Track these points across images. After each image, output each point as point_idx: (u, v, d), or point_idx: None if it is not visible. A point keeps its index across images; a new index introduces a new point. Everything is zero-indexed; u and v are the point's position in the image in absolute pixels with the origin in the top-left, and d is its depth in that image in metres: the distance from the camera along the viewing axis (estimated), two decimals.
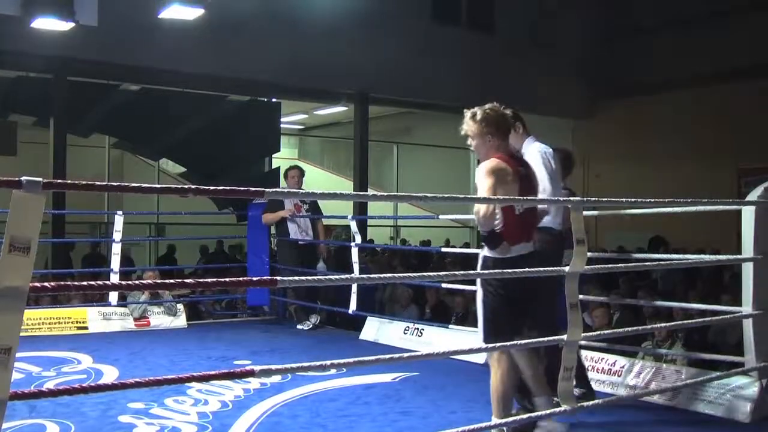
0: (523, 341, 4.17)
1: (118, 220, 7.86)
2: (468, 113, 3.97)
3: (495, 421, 3.85)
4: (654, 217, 11.53)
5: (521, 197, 3.96)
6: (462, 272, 4.03)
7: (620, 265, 5.85)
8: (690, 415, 4.70)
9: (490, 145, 3.93)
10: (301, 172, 8.32)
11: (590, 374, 5.39)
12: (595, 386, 5.28)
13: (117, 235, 7.80)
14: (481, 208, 3.67)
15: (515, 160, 3.97)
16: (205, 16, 9.90)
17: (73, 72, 11.87)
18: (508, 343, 3.95)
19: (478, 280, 3.96)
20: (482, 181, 3.77)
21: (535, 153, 4.44)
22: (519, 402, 4.32)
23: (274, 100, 15.05)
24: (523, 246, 3.91)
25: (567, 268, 3.81)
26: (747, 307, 4.65)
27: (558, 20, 16.09)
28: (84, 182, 2.58)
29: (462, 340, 6.48)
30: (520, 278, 3.77)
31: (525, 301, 3.94)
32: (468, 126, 3.96)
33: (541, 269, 4.27)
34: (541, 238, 4.27)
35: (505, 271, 4.02)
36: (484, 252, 3.89)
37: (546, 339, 3.88)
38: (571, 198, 3.87)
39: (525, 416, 3.89)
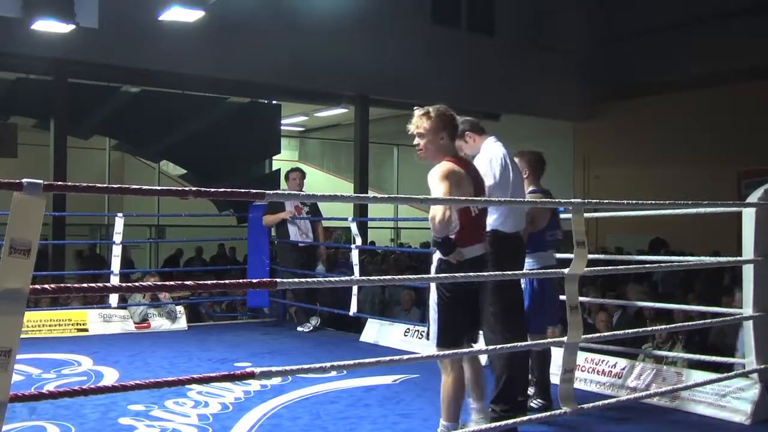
0: (524, 343, 4.18)
1: (119, 222, 7.86)
2: (419, 110, 3.87)
3: (443, 423, 3.82)
4: (654, 219, 11.57)
5: (514, 199, 3.96)
6: (462, 274, 4.02)
7: (620, 266, 5.86)
8: (690, 416, 4.70)
9: (441, 144, 3.85)
10: (302, 175, 8.33)
11: (591, 376, 5.39)
12: (595, 388, 5.28)
13: (117, 237, 7.80)
14: (437, 214, 3.54)
15: (464, 162, 3.92)
16: (206, 18, 9.91)
17: (74, 74, 11.88)
18: (508, 345, 3.96)
19: (432, 284, 3.90)
20: (437, 185, 3.66)
21: (484, 158, 4.38)
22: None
23: (274, 102, 15.07)
24: (478, 248, 3.87)
25: (566, 270, 3.81)
26: (747, 309, 4.65)
27: (558, 22, 16.10)
28: (84, 184, 2.59)
29: None
30: (470, 283, 3.75)
31: (473, 303, 3.92)
32: (420, 123, 3.84)
33: (535, 272, 4.29)
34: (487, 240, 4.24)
35: (506, 273, 4.03)
36: (438, 255, 3.81)
37: (548, 341, 3.89)
38: (572, 200, 3.87)
39: (528, 417, 3.89)
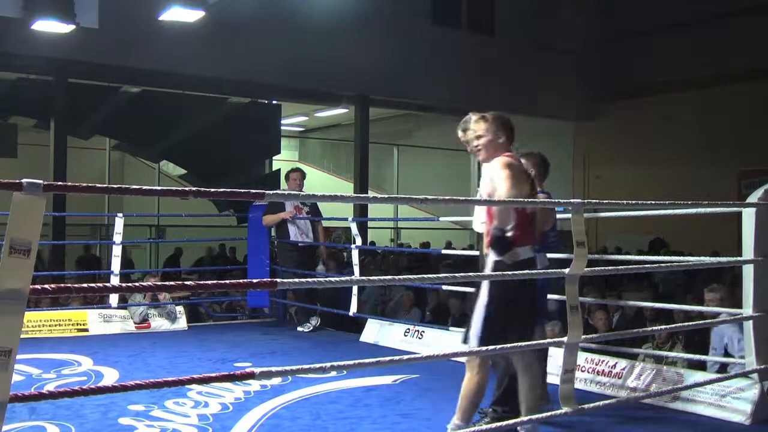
0: (524, 343, 4.18)
1: (119, 222, 7.86)
2: (475, 116, 3.99)
3: (456, 422, 3.82)
4: (654, 219, 11.57)
5: (527, 199, 3.96)
6: (462, 274, 4.03)
7: (620, 267, 5.85)
8: (690, 417, 4.70)
9: (500, 143, 3.95)
10: (303, 175, 8.33)
11: (591, 376, 5.39)
12: (595, 388, 5.28)
13: (117, 237, 7.80)
14: (497, 206, 3.59)
15: (519, 160, 3.97)
16: (206, 19, 9.91)
17: (74, 74, 11.89)
18: (509, 346, 3.95)
19: (484, 285, 3.88)
20: (501, 174, 3.72)
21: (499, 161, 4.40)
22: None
23: (274, 102, 15.07)
24: (530, 249, 3.88)
25: (566, 270, 3.81)
26: (747, 309, 4.65)
27: (558, 22, 16.11)
28: (84, 184, 2.58)
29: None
30: (524, 284, 3.75)
31: (526, 305, 3.91)
32: (477, 126, 3.96)
33: (533, 272, 4.28)
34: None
35: (508, 273, 4.02)
36: (494, 257, 3.81)
37: (547, 341, 3.89)
38: (573, 200, 3.87)
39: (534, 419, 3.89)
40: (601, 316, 7.19)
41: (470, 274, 4.15)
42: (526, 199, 4.12)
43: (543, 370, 4.89)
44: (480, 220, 4.50)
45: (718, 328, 6.05)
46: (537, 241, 3.98)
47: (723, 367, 5.72)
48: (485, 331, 3.81)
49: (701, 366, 5.85)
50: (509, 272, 4.04)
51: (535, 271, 4.47)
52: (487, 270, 3.87)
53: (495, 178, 3.77)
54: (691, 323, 6.13)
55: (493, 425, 3.66)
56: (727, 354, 6.06)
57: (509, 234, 3.71)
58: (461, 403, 3.84)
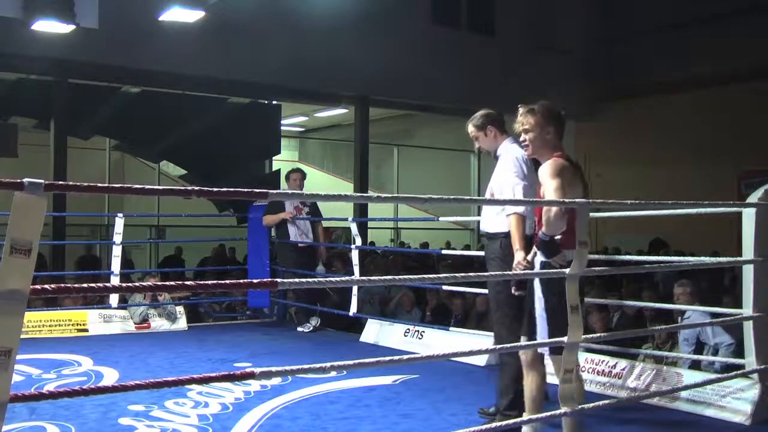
0: (524, 343, 4.17)
1: (119, 222, 7.87)
2: (524, 108, 3.91)
3: (527, 416, 3.86)
4: (654, 220, 11.57)
5: (528, 199, 3.96)
6: (462, 274, 4.03)
7: (620, 267, 5.86)
8: (690, 417, 4.70)
9: (548, 139, 3.88)
10: (303, 175, 8.34)
11: (591, 376, 5.39)
12: (595, 388, 5.28)
13: (117, 237, 7.81)
14: (552, 209, 3.54)
15: (572, 161, 3.91)
16: (206, 19, 9.91)
17: (74, 74, 11.88)
18: (523, 344, 3.95)
19: (538, 289, 3.83)
20: (549, 182, 3.66)
21: (509, 157, 4.39)
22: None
23: (274, 102, 15.06)
24: (572, 252, 3.81)
25: (567, 270, 3.80)
26: (747, 310, 4.65)
27: (558, 21, 16.10)
28: (85, 184, 2.58)
29: (462, 342, 6.48)
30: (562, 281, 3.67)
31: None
32: (525, 119, 3.88)
33: (539, 272, 4.28)
34: (507, 243, 4.27)
35: (506, 273, 4.02)
36: (541, 257, 3.77)
37: (547, 341, 3.88)
38: (577, 200, 3.86)
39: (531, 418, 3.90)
40: (598, 318, 7.18)
41: (470, 274, 4.14)
42: (527, 199, 4.12)
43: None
44: (488, 220, 4.49)
45: (688, 318, 6.14)
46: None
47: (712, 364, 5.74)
48: (552, 327, 3.78)
49: (699, 365, 5.86)
50: (510, 273, 4.05)
51: (535, 271, 4.47)
52: (537, 270, 3.83)
53: (544, 185, 3.70)
54: (691, 323, 6.14)
55: (494, 425, 3.66)
56: (699, 343, 6.13)
57: (558, 237, 3.66)
58: (527, 402, 3.88)
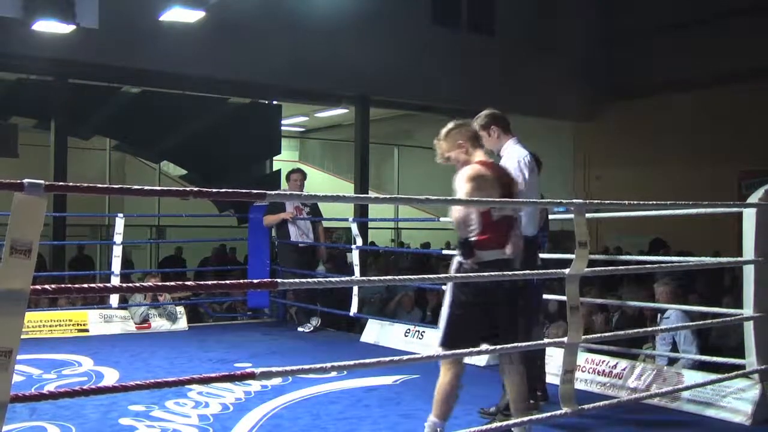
0: (525, 343, 4.17)
1: (119, 223, 7.87)
2: (435, 141, 4.04)
3: (432, 420, 3.83)
4: (654, 220, 11.56)
5: (523, 200, 3.96)
6: (462, 275, 4.03)
7: (620, 267, 5.86)
8: (691, 417, 4.70)
9: (465, 157, 3.95)
10: (303, 176, 8.34)
11: (591, 376, 5.39)
12: (596, 389, 5.28)
13: (118, 238, 7.81)
14: (454, 212, 3.67)
15: (496, 166, 3.97)
16: (206, 19, 9.92)
17: (74, 74, 11.89)
18: (517, 345, 3.95)
19: (449, 285, 3.94)
20: (461, 186, 3.76)
21: (512, 159, 4.42)
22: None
23: (274, 102, 15.07)
24: (498, 252, 3.86)
25: (567, 270, 3.81)
26: (748, 310, 4.65)
27: (558, 22, 16.10)
28: (85, 185, 2.59)
29: None
30: (491, 286, 3.75)
31: (491, 309, 3.90)
32: (440, 148, 4.01)
33: (541, 272, 4.29)
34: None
35: (505, 273, 4.02)
36: (459, 257, 3.87)
37: (547, 342, 3.89)
38: (575, 200, 3.87)
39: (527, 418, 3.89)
40: (591, 318, 7.19)
41: (470, 274, 4.14)
42: (525, 200, 4.12)
43: (542, 370, 4.89)
44: None
45: (667, 318, 6.17)
46: (506, 243, 3.92)
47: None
48: (451, 330, 3.85)
49: (701, 366, 5.86)
50: (509, 273, 4.05)
51: (536, 271, 4.48)
52: (452, 270, 3.93)
53: (456, 190, 3.79)
54: (691, 323, 6.13)
55: (494, 425, 3.66)
56: (675, 345, 6.16)
57: (473, 239, 3.77)
58: (435, 400, 3.85)
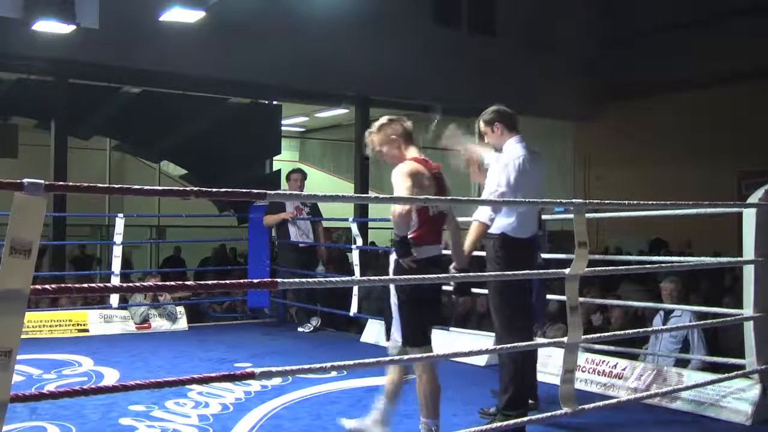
0: (525, 343, 4.17)
1: (119, 223, 7.88)
2: (367, 133, 4.09)
3: (425, 420, 3.83)
4: (654, 220, 11.57)
5: (523, 200, 3.96)
6: (462, 275, 4.03)
7: (620, 267, 5.86)
8: (691, 417, 4.70)
9: (395, 153, 3.98)
10: (303, 176, 8.34)
11: (591, 376, 5.39)
12: (596, 389, 5.28)
13: (118, 238, 7.82)
14: (396, 208, 3.64)
15: (429, 163, 3.96)
16: (206, 19, 9.92)
17: (74, 74, 11.89)
18: (523, 344, 3.96)
19: (392, 285, 3.93)
20: (400, 182, 3.74)
21: (502, 159, 4.39)
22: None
23: (274, 102, 15.06)
24: (435, 248, 3.88)
25: (567, 270, 3.81)
26: (748, 310, 4.65)
27: (558, 22, 16.10)
28: (85, 184, 2.59)
29: (463, 342, 6.48)
30: (432, 282, 3.74)
31: (434, 304, 3.96)
32: (372, 140, 4.04)
33: (535, 272, 4.28)
34: (500, 244, 4.32)
35: (506, 273, 4.02)
36: (394, 256, 3.84)
37: (546, 341, 3.89)
38: (574, 200, 3.87)
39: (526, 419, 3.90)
40: (619, 313, 7.18)
41: (469, 274, 4.15)
42: (524, 200, 4.12)
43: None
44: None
45: (677, 317, 6.18)
46: (441, 238, 3.96)
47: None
48: (410, 329, 3.84)
49: (704, 366, 5.86)
50: (509, 273, 4.06)
51: (538, 271, 4.48)
52: (390, 269, 3.90)
53: (395, 187, 3.79)
54: (691, 323, 6.13)
55: (495, 425, 3.66)
56: (686, 342, 6.16)
57: (410, 236, 3.74)
58: (422, 403, 3.85)
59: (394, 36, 13.86)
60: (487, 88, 14.71)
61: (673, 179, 15.28)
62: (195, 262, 13.26)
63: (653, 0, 15.74)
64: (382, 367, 5.66)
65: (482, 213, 4.27)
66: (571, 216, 3.85)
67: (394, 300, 3.87)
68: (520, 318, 4.34)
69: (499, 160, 4.41)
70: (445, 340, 6.69)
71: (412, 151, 3.98)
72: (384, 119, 4.06)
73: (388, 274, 3.87)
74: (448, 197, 3.79)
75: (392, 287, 3.90)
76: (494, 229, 4.35)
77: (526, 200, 4.11)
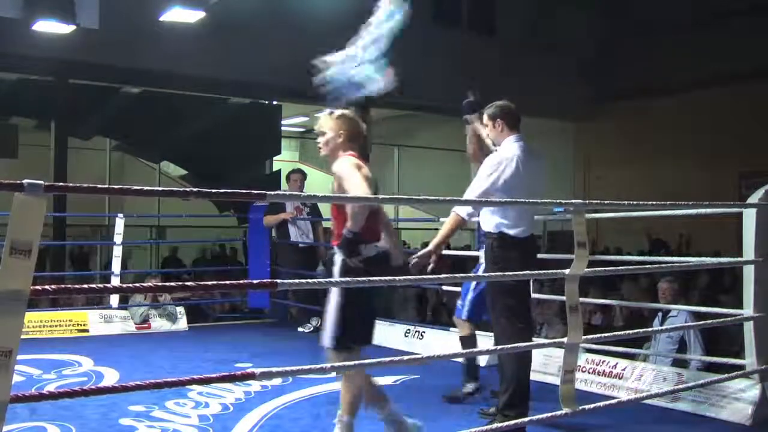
0: (526, 344, 4.17)
1: (119, 223, 7.88)
2: (327, 111, 4.13)
3: (341, 415, 3.80)
4: (655, 220, 11.58)
5: (524, 200, 3.96)
6: (462, 275, 4.03)
7: (620, 267, 5.86)
8: (691, 417, 4.70)
9: (339, 143, 3.96)
10: (303, 176, 8.35)
11: (592, 377, 5.39)
12: (596, 389, 5.28)
13: (118, 238, 7.82)
14: (355, 204, 3.62)
15: (365, 161, 3.97)
16: (206, 19, 9.92)
17: (74, 75, 11.88)
18: (523, 344, 3.96)
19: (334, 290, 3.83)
20: (352, 174, 3.72)
21: (495, 157, 4.39)
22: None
23: (274, 102, 15.06)
24: (375, 246, 3.84)
25: (567, 271, 3.81)
26: (748, 310, 4.65)
27: (559, 22, 16.10)
28: (85, 185, 2.59)
29: None
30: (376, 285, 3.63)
31: (375, 307, 3.93)
32: (324, 122, 4.06)
33: (536, 272, 4.27)
34: (498, 244, 4.32)
35: (508, 274, 4.02)
36: (341, 256, 3.77)
37: (547, 342, 3.89)
38: (574, 201, 3.87)
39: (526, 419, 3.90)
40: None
41: (470, 275, 4.15)
42: (523, 200, 4.12)
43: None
44: (483, 219, 4.50)
45: (674, 317, 6.18)
46: (379, 237, 3.93)
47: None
48: (340, 331, 3.76)
49: (704, 366, 5.86)
50: (509, 273, 4.05)
51: (539, 271, 4.48)
52: (336, 269, 3.82)
53: (344, 177, 3.76)
54: (691, 323, 6.14)
55: (494, 426, 3.66)
56: (682, 342, 6.16)
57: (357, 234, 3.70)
58: (343, 400, 3.80)
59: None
60: (487, 88, 14.70)
61: (673, 179, 15.28)
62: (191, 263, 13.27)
63: (653, 0, 15.74)
64: (383, 368, 5.67)
65: (463, 208, 4.30)
66: (570, 216, 3.85)
67: (334, 299, 3.77)
68: (519, 318, 4.34)
69: (492, 157, 4.40)
70: (445, 340, 6.70)
71: (352, 149, 3.96)
72: (346, 111, 4.09)
73: (384, 275, 3.83)
74: (448, 198, 3.78)
75: (335, 289, 3.79)
76: (492, 228, 4.35)
77: (527, 201, 4.10)
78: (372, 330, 3.94)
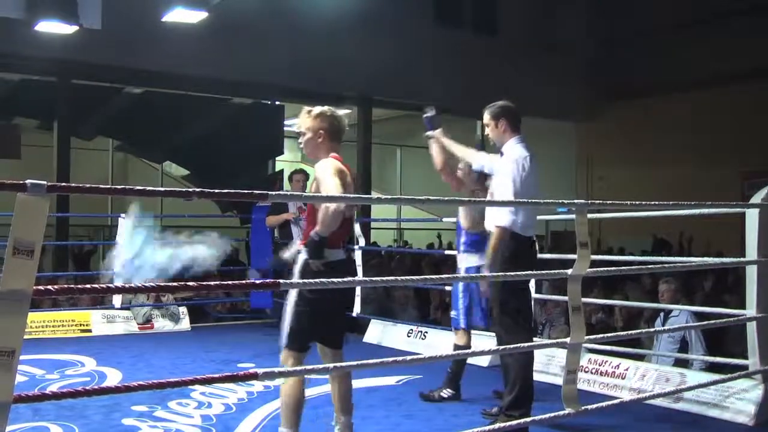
0: (527, 344, 4.17)
1: (122, 223, 7.89)
2: (305, 109, 3.99)
3: (284, 430, 3.76)
4: (657, 220, 11.56)
5: (524, 200, 3.96)
6: (463, 275, 4.03)
7: (622, 267, 5.85)
8: (694, 417, 4.69)
9: (319, 142, 3.94)
10: (306, 176, 8.34)
11: (595, 377, 5.38)
12: (599, 389, 5.28)
13: (120, 238, 7.82)
14: (331, 206, 3.59)
15: (346, 164, 3.95)
16: (208, 19, 9.92)
17: (77, 75, 11.90)
18: (527, 344, 3.96)
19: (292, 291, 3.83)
20: (330, 179, 3.70)
21: (510, 159, 4.39)
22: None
23: (277, 102, 15.07)
24: (339, 252, 3.84)
25: (570, 271, 3.81)
26: (751, 310, 4.64)
27: (560, 22, 16.09)
28: (88, 185, 2.59)
29: None
30: (339, 287, 3.61)
31: (336, 309, 3.92)
32: (303, 120, 3.96)
33: (539, 272, 4.27)
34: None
35: (509, 274, 4.02)
36: (304, 256, 3.75)
37: (550, 342, 3.89)
38: (576, 201, 3.87)
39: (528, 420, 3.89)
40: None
41: (471, 275, 4.15)
42: (523, 200, 4.12)
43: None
44: (491, 220, 4.49)
45: (675, 317, 6.18)
46: (345, 243, 3.94)
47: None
48: (292, 330, 3.81)
49: (706, 367, 5.85)
50: (510, 273, 4.05)
51: (543, 272, 4.48)
52: (297, 268, 3.80)
53: (322, 181, 3.75)
54: (692, 324, 6.13)
55: (497, 426, 3.66)
56: (684, 342, 6.16)
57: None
58: (283, 410, 3.77)
59: (395, 36, 13.86)
60: (488, 88, 14.71)
61: (675, 179, 15.26)
62: None
63: (653, 0, 15.73)
64: (384, 368, 5.67)
65: (502, 217, 4.26)
66: (573, 216, 3.85)
67: (291, 299, 3.77)
68: (522, 317, 4.34)
69: (505, 160, 4.40)
70: (447, 341, 6.70)
71: (334, 149, 3.95)
72: (326, 109, 3.99)
73: (383, 274, 3.85)
74: (449, 198, 3.78)
75: (293, 290, 3.80)
76: (492, 228, 4.35)
77: (531, 201, 4.10)
78: (333, 332, 3.94)
